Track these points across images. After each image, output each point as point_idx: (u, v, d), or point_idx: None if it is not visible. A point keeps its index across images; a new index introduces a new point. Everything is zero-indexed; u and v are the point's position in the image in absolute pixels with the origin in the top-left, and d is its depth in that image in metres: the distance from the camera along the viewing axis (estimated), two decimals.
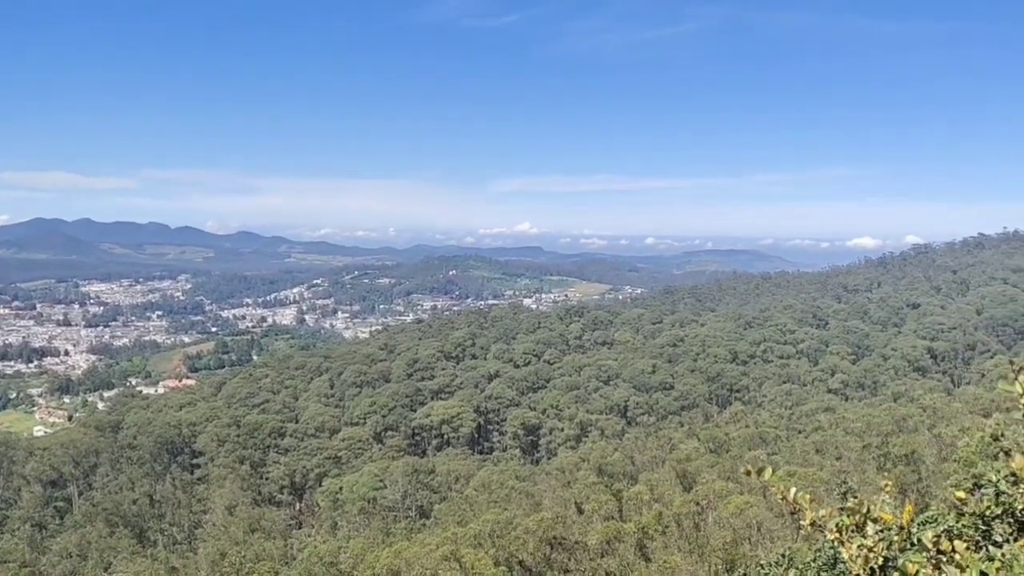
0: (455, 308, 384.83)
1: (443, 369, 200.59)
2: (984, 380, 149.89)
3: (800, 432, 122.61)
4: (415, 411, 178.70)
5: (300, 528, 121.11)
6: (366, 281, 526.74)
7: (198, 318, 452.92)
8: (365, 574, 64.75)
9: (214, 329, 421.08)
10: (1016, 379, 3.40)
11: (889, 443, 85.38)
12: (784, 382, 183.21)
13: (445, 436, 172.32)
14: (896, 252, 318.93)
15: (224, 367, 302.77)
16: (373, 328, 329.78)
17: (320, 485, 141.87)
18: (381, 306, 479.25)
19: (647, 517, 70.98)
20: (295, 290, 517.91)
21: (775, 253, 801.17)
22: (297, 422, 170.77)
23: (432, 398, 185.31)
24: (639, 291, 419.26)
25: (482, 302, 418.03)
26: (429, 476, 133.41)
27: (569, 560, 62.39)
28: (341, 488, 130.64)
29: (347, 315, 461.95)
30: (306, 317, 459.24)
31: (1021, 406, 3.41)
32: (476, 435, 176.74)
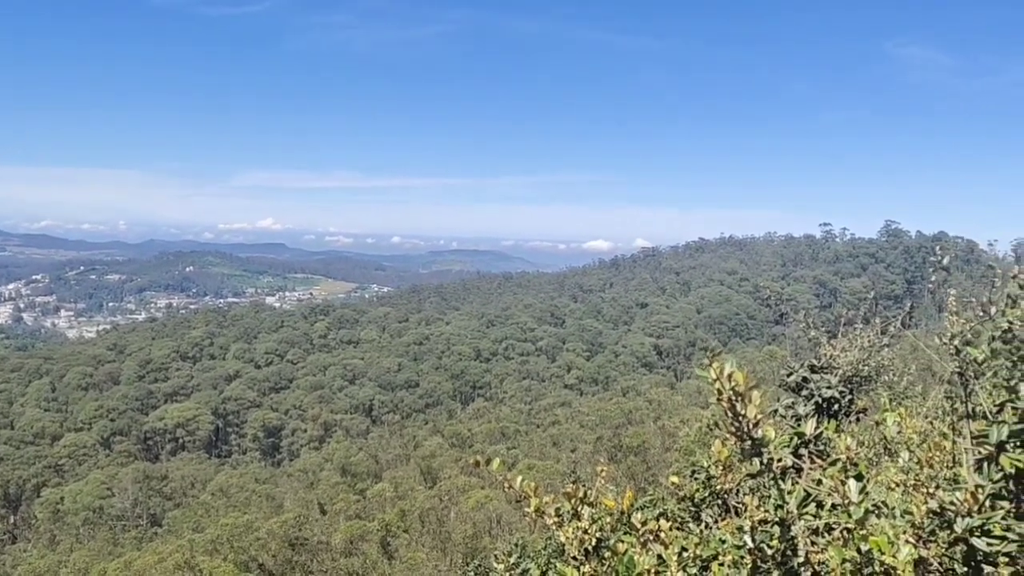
0: (192, 306, 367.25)
1: (178, 370, 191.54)
2: None
3: (539, 426, 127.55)
4: (147, 414, 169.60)
5: (14, 543, 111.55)
6: (93, 277, 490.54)
7: None
8: None
9: None
10: (711, 366, 3.69)
11: (620, 435, 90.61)
12: (524, 378, 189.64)
13: (180, 440, 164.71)
14: (627, 254, 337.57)
15: None
16: (101, 327, 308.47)
17: (39, 496, 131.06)
18: (110, 304, 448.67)
19: (391, 514, 71.20)
20: (11, 286, 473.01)
21: (516, 254, 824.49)
22: (12, 428, 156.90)
23: (166, 400, 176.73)
24: (385, 290, 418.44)
25: (222, 300, 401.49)
26: (162, 482, 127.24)
27: (312, 561, 61.32)
28: (63, 498, 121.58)
29: (71, 313, 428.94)
30: (24, 315, 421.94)
31: (715, 391, 3.71)
32: (214, 438, 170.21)
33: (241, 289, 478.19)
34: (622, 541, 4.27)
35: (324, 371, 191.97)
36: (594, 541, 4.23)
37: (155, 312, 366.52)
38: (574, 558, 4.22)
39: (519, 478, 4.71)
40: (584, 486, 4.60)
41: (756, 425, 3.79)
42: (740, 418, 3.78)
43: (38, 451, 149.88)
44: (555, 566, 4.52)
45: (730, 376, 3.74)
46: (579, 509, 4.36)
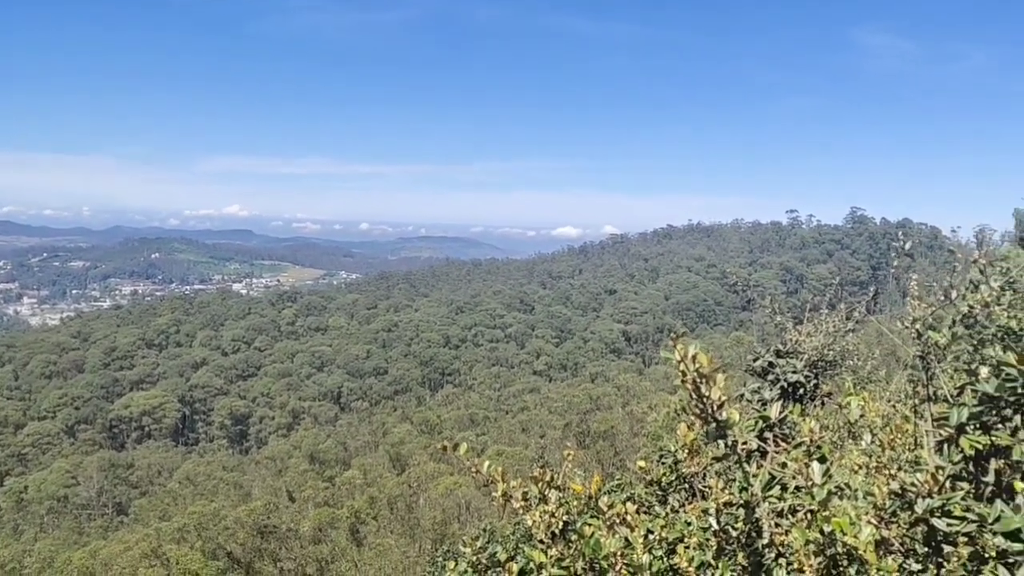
0: (158, 293, 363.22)
1: (144, 357, 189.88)
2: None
3: (508, 412, 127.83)
4: (113, 402, 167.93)
5: None
6: (57, 264, 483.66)
7: None
8: None
9: None
10: (675, 348, 3.70)
11: (588, 420, 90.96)
12: (493, 365, 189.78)
13: (146, 428, 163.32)
14: (595, 241, 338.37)
15: None
16: (65, 315, 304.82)
17: (2, 485, 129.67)
18: (74, 291, 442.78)
19: (360, 501, 71.13)
20: None
21: (486, 240, 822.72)
22: None
23: (132, 388, 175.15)
24: (354, 276, 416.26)
25: (188, 287, 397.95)
26: (128, 471, 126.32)
27: (280, 549, 61.11)
28: (27, 487, 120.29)
29: (34, 301, 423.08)
30: None
31: (679, 373, 3.72)
32: (181, 426, 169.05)
33: (208, 276, 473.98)
34: (589, 524, 4.30)
35: (292, 358, 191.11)
36: (561, 524, 4.26)
37: (120, 299, 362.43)
38: (541, 541, 4.24)
39: (486, 463, 4.72)
40: (552, 471, 4.63)
41: (720, 407, 3.82)
42: (704, 400, 3.80)
43: (1, 440, 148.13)
44: (523, 550, 4.53)
45: (694, 358, 3.76)
46: (546, 493, 4.38)
